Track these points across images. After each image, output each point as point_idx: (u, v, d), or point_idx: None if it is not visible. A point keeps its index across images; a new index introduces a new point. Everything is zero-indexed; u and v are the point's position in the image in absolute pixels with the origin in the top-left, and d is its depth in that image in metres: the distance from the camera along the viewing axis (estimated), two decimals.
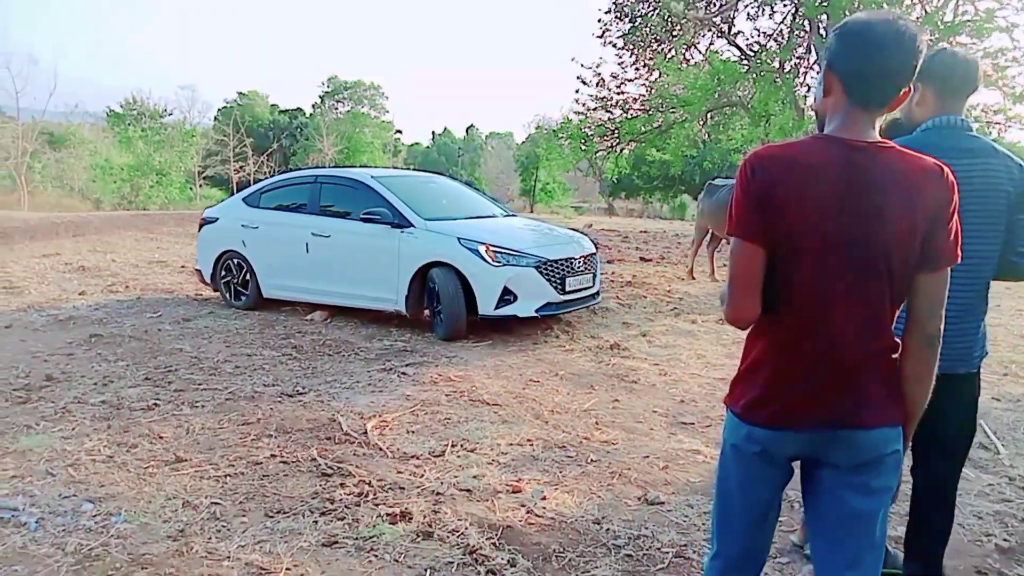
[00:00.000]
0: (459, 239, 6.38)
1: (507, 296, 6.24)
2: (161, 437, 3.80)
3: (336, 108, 54.68)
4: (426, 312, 6.70)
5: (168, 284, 9.20)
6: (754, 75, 11.20)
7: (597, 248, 7.52)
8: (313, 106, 54.49)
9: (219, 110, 49.16)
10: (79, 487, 3.16)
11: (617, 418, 4.39)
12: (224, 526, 2.86)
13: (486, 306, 6.26)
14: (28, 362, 5.25)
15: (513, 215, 8.23)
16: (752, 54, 12.06)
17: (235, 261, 7.67)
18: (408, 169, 11.17)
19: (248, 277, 7.59)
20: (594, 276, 7.01)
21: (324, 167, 10.29)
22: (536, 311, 6.32)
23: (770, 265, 1.50)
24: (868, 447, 1.52)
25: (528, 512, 3.05)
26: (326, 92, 55.19)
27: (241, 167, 37.14)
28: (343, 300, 7.05)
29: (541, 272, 6.33)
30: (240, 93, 53.15)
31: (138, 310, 7.39)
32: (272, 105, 54.15)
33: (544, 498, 3.19)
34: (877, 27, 1.45)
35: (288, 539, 2.76)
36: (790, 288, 1.49)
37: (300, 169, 8.67)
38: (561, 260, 6.50)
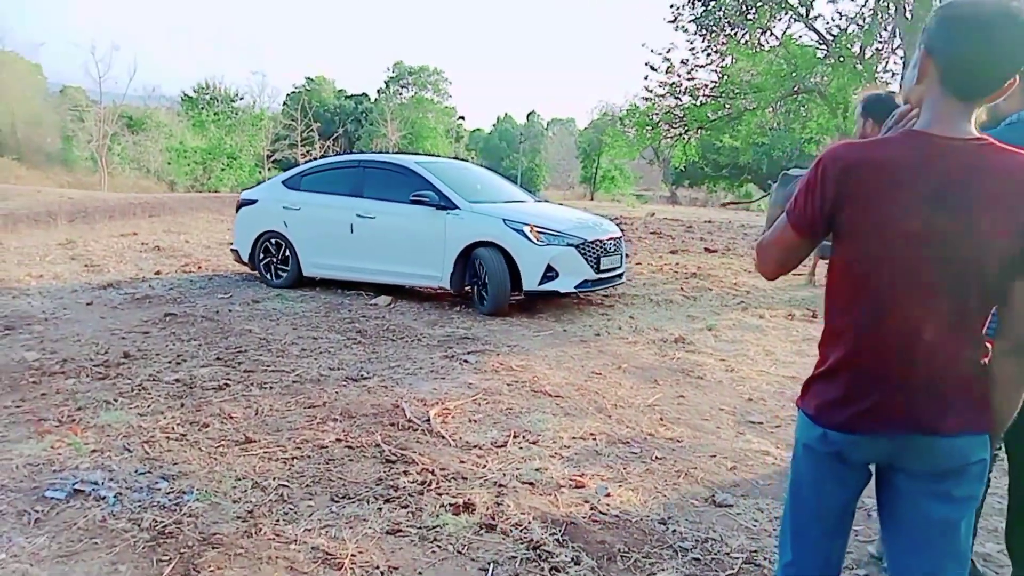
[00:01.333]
0: (504, 220, 6.85)
1: (550, 273, 6.70)
2: (232, 417, 3.89)
3: (400, 93, 55.25)
4: (467, 289, 7.11)
5: (238, 265, 9.45)
6: (833, 60, 10.73)
7: (622, 232, 7.88)
8: (378, 91, 55.23)
9: (288, 95, 50.31)
10: (154, 464, 3.26)
11: (682, 415, 4.28)
12: (291, 508, 2.90)
13: (530, 282, 6.71)
14: (107, 339, 5.46)
15: (542, 200, 8.80)
16: (831, 38, 11.56)
17: (274, 241, 7.98)
18: (448, 158, 11.48)
19: (288, 256, 7.89)
20: (621, 257, 7.48)
21: (364, 153, 10.82)
22: (575, 288, 6.82)
23: (850, 265, 1.44)
24: (950, 455, 1.43)
25: (592, 509, 3.00)
26: (391, 77, 55.81)
27: (308, 151, 37.92)
28: (387, 278, 7.47)
29: (580, 251, 6.81)
30: (308, 78, 54.29)
31: (210, 290, 7.61)
32: (339, 90, 55.11)
33: (608, 495, 3.13)
34: (987, 8, 1.33)
35: (353, 525, 2.78)
36: (871, 291, 1.42)
37: (341, 155, 9.10)
38: (596, 241, 7.00)
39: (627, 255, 11.35)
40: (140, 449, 3.41)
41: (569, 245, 6.77)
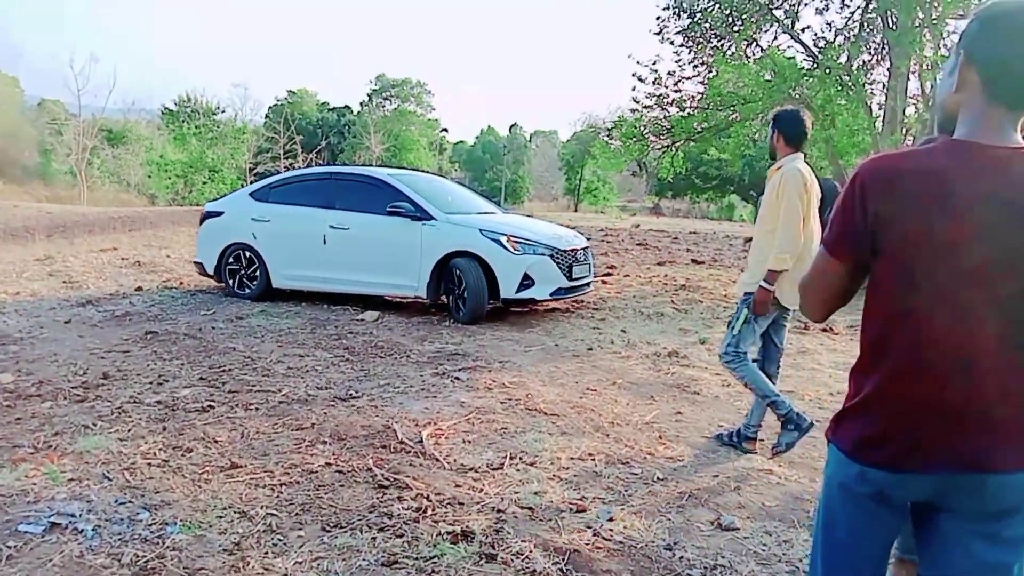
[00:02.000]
0: (481, 230, 7.03)
1: (526, 281, 6.90)
2: (216, 441, 3.74)
3: (383, 106, 55.12)
4: (443, 298, 7.26)
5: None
6: (819, 72, 10.76)
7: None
8: (361, 104, 55.05)
9: (270, 108, 50.02)
10: (135, 493, 3.11)
11: (681, 432, 4.19)
12: (280, 539, 2.76)
13: (507, 290, 6.89)
14: (86, 359, 5.28)
15: (507, 211, 9.05)
16: (818, 50, 11.61)
17: (243, 253, 7.91)
18: (419, 171, 11.62)
19: (257, 268, 7.84)
20: (590, 267, 7.77)
21: (335, 165, 10.98)
22: (550, 295, 7.08)
23: (891, 285, 1.32)
24: (1004, 494, 1.31)
25: (595, 535, 2.88)
26: (374, 90, 55.68)
27: (291, 164, 37.66)
28: (361, 288, 7.53)
29: (554, 260, 7.07)
30: (290, 91, 54.04)
31: (192, 307, 7.43)
32: (322, 103, 54.91)
33: (611, 519, 3.02)
34: None
35: (346, 556, 2.65)
36: (911, 315, 1.30)
37: (302, 168, 9.29)
38: (568, 250, 7.27)
39: (614, 267, 11.32)
40: (120, 477, 3.26)
41: (544, 255, 7.02)
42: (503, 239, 6.94)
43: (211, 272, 8.14)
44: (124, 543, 2.68)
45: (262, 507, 3.01)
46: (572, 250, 7.33)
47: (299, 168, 9.52)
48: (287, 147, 39.40)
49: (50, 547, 2.63)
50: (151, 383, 4.73)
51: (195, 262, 8.44)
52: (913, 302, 1.30)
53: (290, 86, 57.35)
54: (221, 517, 2.91)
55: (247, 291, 7.91)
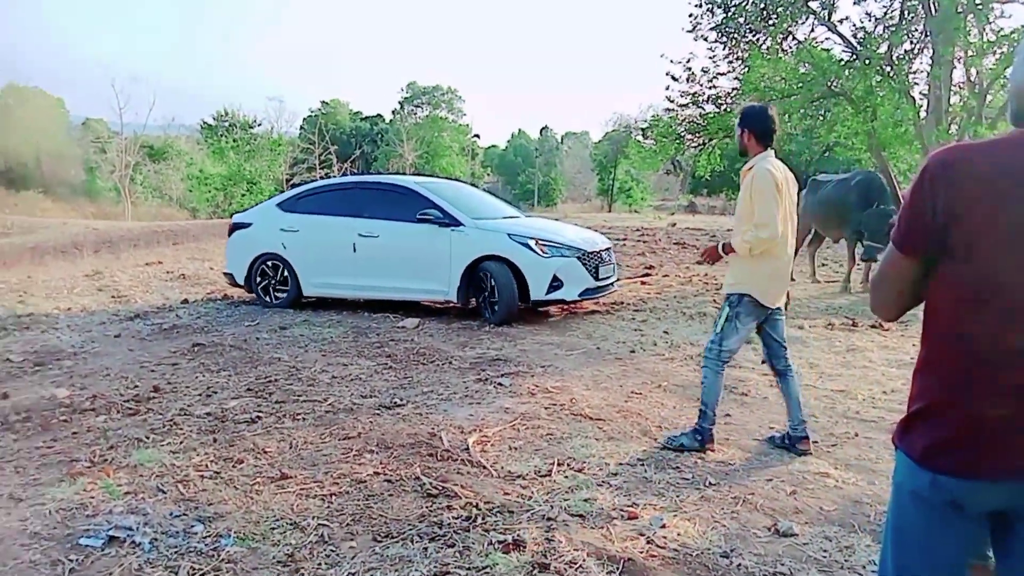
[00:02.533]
0: (509, 235, 7.19)
1: (555, 283, 7.06)
2: (266, 452, 3.77)
3: (415, 113, 55.56)
4: (472, 301, 7.39)
5: None
6: (859, 64, 10.50)
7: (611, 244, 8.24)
8: (393, 112, 55.57)
9: (304, 119, 50.76)
10: (189, 505, 3.15)
11: (731, 435, 4.11)
12: (333, 551, 2.77)
13: (538, 292, 7.06)
14: (136, 372, 5.39)
15: (529, 215, 9.24)
16: (857, 41, 11.34)
17: (271, 263, 8.09)
18: (434, 176, 11.85)
19: (287, 277, 8.02)
20: (614, 267, 7.92)
21: (358, 175, 11.13)
22: (579, 295, 7.21)
23: (963, 282, 1.26)
24: None
25: (648, 542, 2.83)
26: (405, 98, 56.16)
27: (326, 174, 38.16)
28: (391, 294, 7.72)
29: (581, 262, 7.21)
30: (323, 102, 54.81)
31: (237, 318, 7.55)
32: (354, 112, 55.56)
33: (664, 526, 2.96)
34: None
35: (399, 567, 2.64)
36: (992, 310, 1.24)
37: (333, 177, 9.50)
38: (594, 252, 7.42)
39: (652, 267, 11.21)
40: (174, 490, 3.30)
41: (571, 257, 7.18)
42: (531, 243, 7.11)
43: (241, 282, 8.30)
44: (180, 556, 2.71)
45: (313, 517, 3.02)
46: (597, 251, 7.49)
47: (334, 177, 9.73)
48: (322, 157, 39.95)
49: (110, 560, 2.67)
50: (200, 395, 4.80)
51: (225, 273, 8.61)
52: (983, 298, 1.24)
53: (324, 97, 58.16)
54: (274, 528, 2.93)
55: (278, 300, 8.06)
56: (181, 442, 3.91)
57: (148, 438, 3.97)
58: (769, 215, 3.57)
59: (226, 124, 42.31)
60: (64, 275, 10.83)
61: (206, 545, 2.79)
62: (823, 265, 11.39)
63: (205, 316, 7.69)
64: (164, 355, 5.91)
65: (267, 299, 8.13)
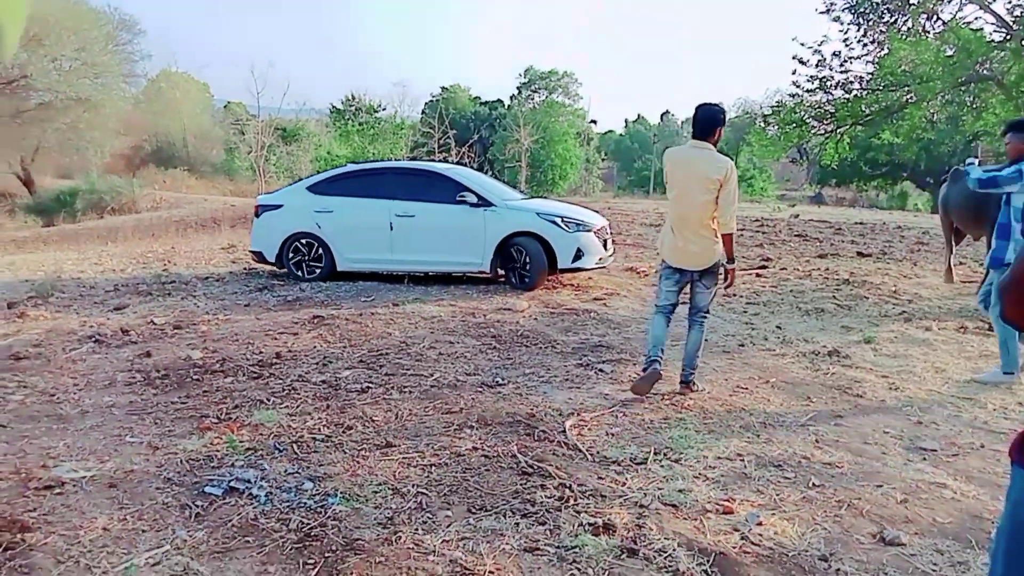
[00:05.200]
0: (537, 213, 8.28)
1: (579, 254, 8.13)
2: (373, 420, 3.97)
3: (532, 98, 55.67)
4: (500, 272, 8.38)
5: None
6: (1014, 44, 9.58)
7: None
8: (511, 97, 55.92)
9: (426, 104, 52.00)
10: (301, 464, 3.38)
11: (841, 436, 3.93)
12: (430, 518, 2.89)
13: (564, 262, 8.14)
14: (261, 339, 5.79)
15: (537, 197, 10.53)
16: (1013, 19, 10.34)
17: (304, 241, 8.68)
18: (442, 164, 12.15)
19: (321, 254, 8.66)
20: (612, 242, 9.03)
21: (386, 161, 12.01)
22: (595, 264, 8.33)
23: None
24: None
25: (743, 538, 2.78)
26: (523, 83, 56.36)
27: (444, 158, 39.05)
28: (426, 267, 8.66)
29: (596, 236, 8.31)
30: (443, 87, 55.90)
31: (355, 294, 7.93)
32: (474, 97, 56.36)
33: (760, 523, 2.89)
34: None
35: (490, 539, 2.73)
36: None
37: (359, 163, 10.17)
38: (602, 228, 8.55)
39: (769, 259, 10.79)
40: (289, 449, 3.55)
41: (589, 231, 8.27)
42: (559, 220, 8.17)
43: (272, 260, 8.84)
44: (291, 510, 2.92)
45: (413, 485, 3.17)
46: (603, 227, 8.56)
47: (394, 160, 10.74)
48: (441, 141, 40.88)
49: (230, 509, 2.92)
50: (317, 364, 5.11)
51: (252, 251, 9.12)
52: None
53: (445, 82, 59.29)
54: (376, 492, 3.10)
55: (313, 274, 8.66)
56: (298, 406, 4.19)
57: (269, 400, 4.28)
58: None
59: (353, 108, 44.04)
60: (203, 247, 11.73)
61: (314, 502, 2.99)
62: (961, 263, 10.56)
63: (326, 291, 8.12)
64: (287, 325, 6.30)
65: (299, 274, 8.68)
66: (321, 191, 8.84)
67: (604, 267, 8.74)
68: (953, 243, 8.85)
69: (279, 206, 8.93)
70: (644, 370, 4.54)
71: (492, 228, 8.22)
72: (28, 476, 3.17)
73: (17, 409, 4.11)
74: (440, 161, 39.05)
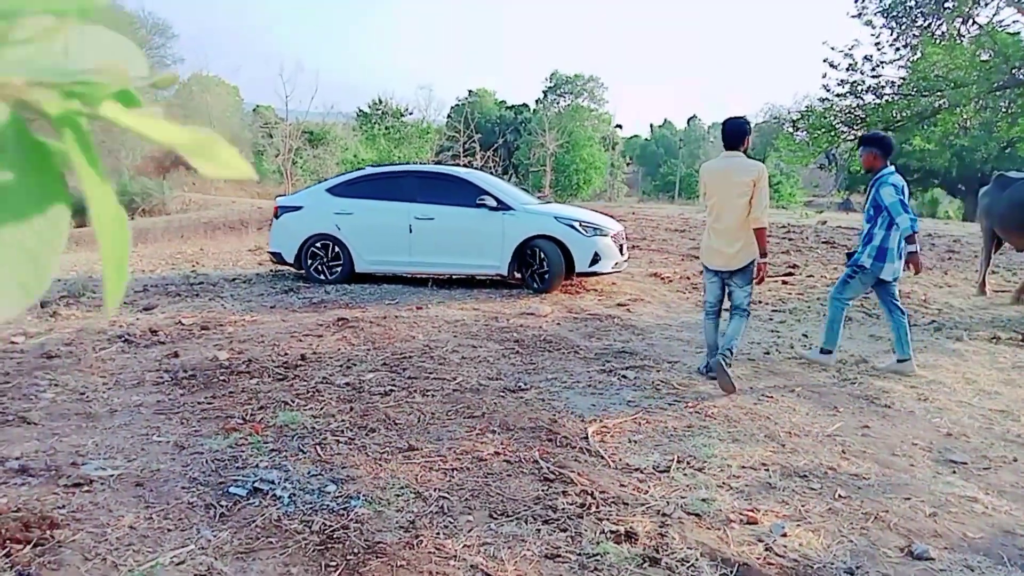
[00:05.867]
0: (556, 218, 8.33)
1: (596, 258, 8.16)
2: (396, 423, 3.99)
3: (557, 103, 55.66)
4: (517, 275, 8.41)
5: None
6: None
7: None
8: (536, 101, 55.96)
9: (452, 108, 52.23)
10: (324, 466, 3.40)
11: (868, 448, 3.86)
12: (451, 522, 2.90)
13: (581, 266, 8.17)
14: (287, 341, 5.84)
15: (549, 202, 10.67)
16: None
17: (322, 243, 8.74)
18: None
19: (340, 255, 8.72)
20: (627, 248, 9.16)
21: (405, 164, 11.89)
22: (611, 268, 8.35)
23: None
24: None
25: (767, 549, 2.74)
26: (548, 87, 56.38)
27: (469, 162, 39.19)
28: (445, 269, 8.68)
29: (613, 240, 8.39)
30: (470, 91, 56.10)
31: (379, 296, 7.98)
32: (499, 101, 56.49)
33: (785, 535, 2.85)
34: None
35: (511, 545, 2.72)
36: None
37: (378, 166, 10.18)
38: (617, 233, 8.59)
39: (796, 266, 10.66)
40: (313, 451, 3.57)
41: (606, 235, 8.31)
42: (576, 224, 8.20)
43: (290, 261, 8.88)
44: (314, 512, 2.94)
45: (435, 489, 3.17)
46: (619, 233, 8.61)
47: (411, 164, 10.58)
48: (466, 146, 41.01)
49: (254, 509, 2.95)
50: (341, 366, 5.14)
51: (271, 252, 9.17)
52: None
53: (471, 86, 59.53)
54: (399, 495, 3.11)
55: (333, 275, 8.72)
56: (321, 408, 4.22)
57: (293, 402, 4.32)
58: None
59: (379, 112, 44.38)
60: (231, 248, 11.89)
61: (337, 504, 3.01)
62: (994, 272, 10.34)
63: (350, 293, 8.18)
64: (312, 327, 6.36)
65: (319, 276, 8.73)
66: (340, 193, 8.90)
67: (619, 272, 8.75)
68: (992, 254, 8.59)
69: (299, 208, 9.00)
70: (709, 370, 4.98)
71: (511, 231, 8.26)
72: (58, 473, 3.24)
73: (48, 407, 4.19)
74: (464, 166, 39.21)
